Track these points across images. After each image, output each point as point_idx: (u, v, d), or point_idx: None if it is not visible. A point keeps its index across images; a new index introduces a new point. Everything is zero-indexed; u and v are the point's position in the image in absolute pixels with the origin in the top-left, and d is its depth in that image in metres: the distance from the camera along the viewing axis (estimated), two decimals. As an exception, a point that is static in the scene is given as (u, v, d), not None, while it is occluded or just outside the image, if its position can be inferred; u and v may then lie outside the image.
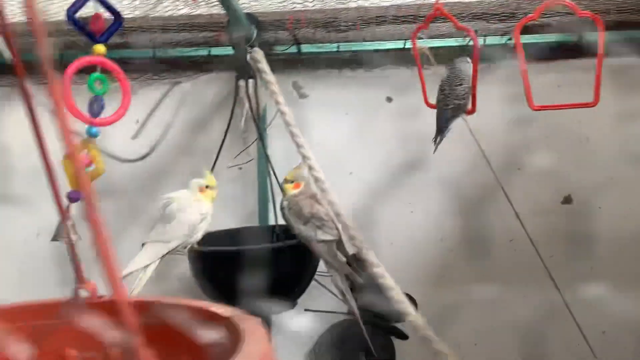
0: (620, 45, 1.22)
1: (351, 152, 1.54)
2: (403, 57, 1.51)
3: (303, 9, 1.36)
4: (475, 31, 1.19)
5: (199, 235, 1.24)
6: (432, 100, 1.22)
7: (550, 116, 1.31)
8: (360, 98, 1.55)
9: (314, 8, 1.35)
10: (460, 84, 1.12)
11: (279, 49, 1.46)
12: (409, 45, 1.43)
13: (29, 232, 1.59)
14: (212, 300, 1.34)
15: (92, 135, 0.87)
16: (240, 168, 1.53)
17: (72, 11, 0.84)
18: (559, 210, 1.54)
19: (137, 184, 1.54)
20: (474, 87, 1.10)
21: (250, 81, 1.34)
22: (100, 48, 0.86)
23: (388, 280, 0.84)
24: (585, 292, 1.39)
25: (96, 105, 0.87)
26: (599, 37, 1.05)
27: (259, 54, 1.35)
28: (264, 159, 1.48)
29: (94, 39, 0.86)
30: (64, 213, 0.54)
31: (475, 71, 1.09)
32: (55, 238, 0.86)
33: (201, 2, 1.28)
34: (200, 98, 1.57)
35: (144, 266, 1.24)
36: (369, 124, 1.53)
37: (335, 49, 1.47)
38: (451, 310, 1.32)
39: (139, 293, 1.26)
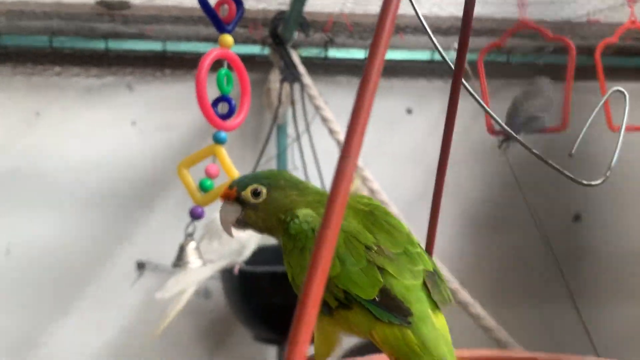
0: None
1: (367, 164, 1.47)
2: (425, 69, 1.48)
3: (340, 12, 1.28)
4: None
5: (247, 254, 1.11)
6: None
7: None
8: (380, 108, 1.48)
9: (356, 12, 1.28)
10: (534, 99, 1.10)
11: (304, 51, 1.36)
12: (436, 56, 1.40)
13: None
14: (255, 328, 1.20)
15: (220, 141, 0.73)
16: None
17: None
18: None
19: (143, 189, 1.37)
20: (566, 102, 1.07)
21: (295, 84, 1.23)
22: (228, 39, 0.73)
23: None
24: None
25: (223, 106, 0.73)
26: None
27: (296, 56, 1.25)
28: (284, 164, 1.39)
29: (222, 27, 0.73)
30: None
31: (569, 86, 1.06)
32: (176, 264, 0.71)
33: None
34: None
35: (182, 291, 1.09)
36: (388, 136, 1.47)
37: (362, 57, 1.39)
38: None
39: (168, 324, 1.11)
